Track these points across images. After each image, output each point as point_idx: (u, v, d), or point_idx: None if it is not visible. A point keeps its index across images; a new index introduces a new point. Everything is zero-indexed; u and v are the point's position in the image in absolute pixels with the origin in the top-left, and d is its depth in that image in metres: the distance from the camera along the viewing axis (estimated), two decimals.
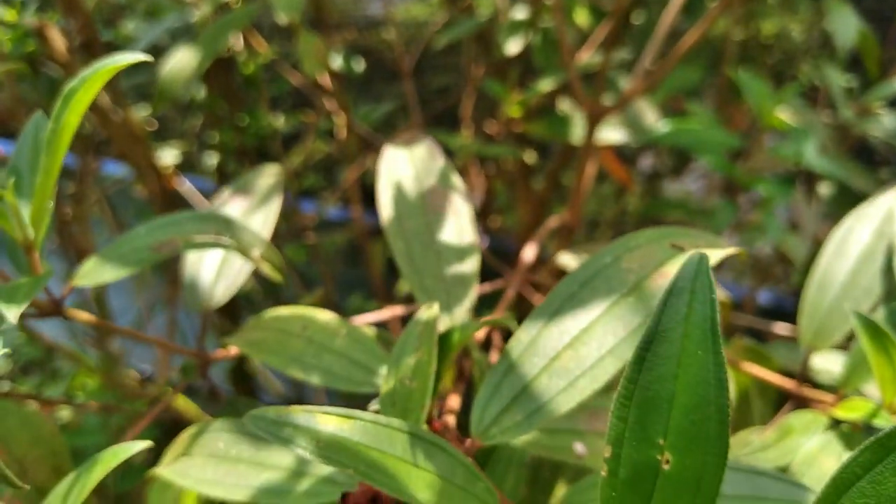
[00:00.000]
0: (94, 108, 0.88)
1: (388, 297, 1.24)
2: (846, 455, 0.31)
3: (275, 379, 1.11)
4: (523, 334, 0.39)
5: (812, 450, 0.46)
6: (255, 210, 0.57)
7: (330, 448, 0.31)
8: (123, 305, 1.30)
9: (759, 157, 0.93)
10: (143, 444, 0.38)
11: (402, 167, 0.53)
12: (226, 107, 1.24)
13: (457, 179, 0.53)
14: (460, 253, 0.49)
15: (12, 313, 0.40)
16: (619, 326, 0.37)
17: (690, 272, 0.30)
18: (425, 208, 0.51)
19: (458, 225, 0.50)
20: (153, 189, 1.01)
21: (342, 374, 0.43)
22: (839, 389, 0.52)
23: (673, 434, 0.30)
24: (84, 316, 0.48)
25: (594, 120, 0.82)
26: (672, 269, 0.39)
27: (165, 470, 0.41)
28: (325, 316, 0.47)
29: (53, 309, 0.48)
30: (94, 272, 0.46)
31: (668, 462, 0.29)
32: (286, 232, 1.28)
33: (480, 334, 0.54)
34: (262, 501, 0.37)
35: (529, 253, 0.68)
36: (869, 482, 0.28)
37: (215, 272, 0.54)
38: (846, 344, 0.56)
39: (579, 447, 0.41)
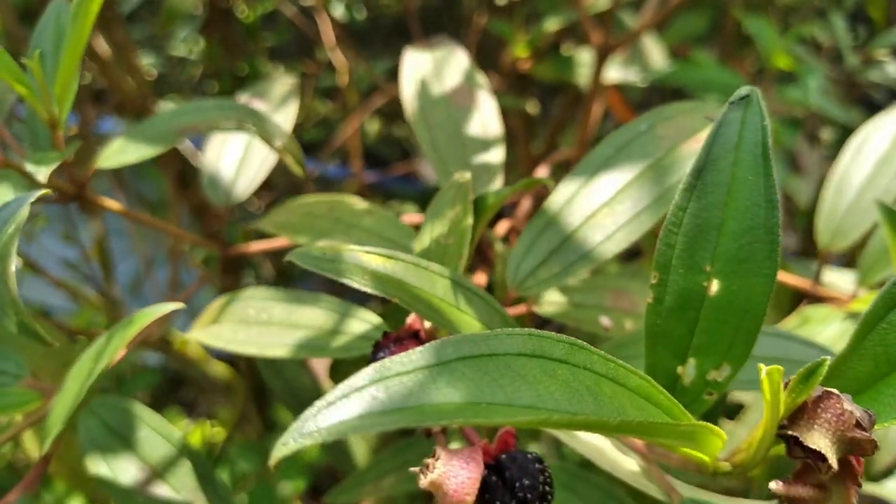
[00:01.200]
0: (94, 56, 0.87)
1: None
2: None
3: None
4: (559, 195, 0.39)
5: (832, 335, 0.46)
6: (273, 112, 0.57)
7: (377, 280, 0.31)
8: (123, 251, 1.29)
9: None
10: (176, 305, 0.38)
11: (424, 66, 0.53)
12: (225, 57, 1.22)
13: (481, 77, 0.52)
14: (486, 144, 0.49)
15: (42, 174, 0.40)
16: (656, 185, 0.37)
17: (741, 103, 0.30)
18: (449, 103, 0.51)
19: (483, 118, 0.50)
20: None
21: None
22: (854, 291, 0.52)
23: (720, 260, 0.30)
24: (107, 202, 0.48)
25: (603, 56, 0.82)
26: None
27: (196, 333, 0.41)
28: (351, 199, 0.47)
29: (76, 192, 0.47)
30: (119, 152, 0.45)
31: (714, 289, 0.30)
32: (285, 186, 1.27)
33: (501, 230, 0.54)
34: (296, 356, 0.37)
35: (541, 174, 0.68)
36: None
37: (235, 168, 0.53)
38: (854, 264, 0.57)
39: (605, 320, 0.41)
